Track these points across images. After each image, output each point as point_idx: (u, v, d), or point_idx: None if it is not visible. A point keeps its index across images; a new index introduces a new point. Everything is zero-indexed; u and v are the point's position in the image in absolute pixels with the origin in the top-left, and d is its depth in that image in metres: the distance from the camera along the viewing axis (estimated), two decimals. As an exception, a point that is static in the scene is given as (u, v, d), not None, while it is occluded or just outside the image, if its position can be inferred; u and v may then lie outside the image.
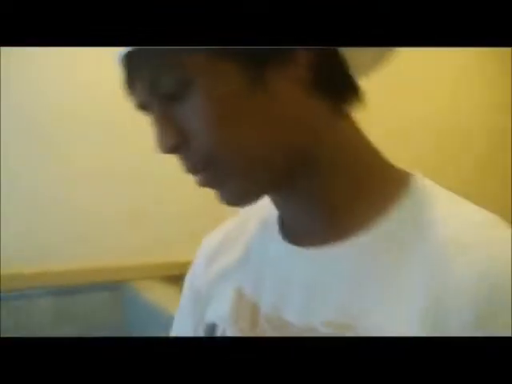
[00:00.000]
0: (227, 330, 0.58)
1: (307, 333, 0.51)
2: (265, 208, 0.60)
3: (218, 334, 0.59)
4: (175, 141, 0.49)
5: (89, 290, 1.55)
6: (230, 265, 0.62)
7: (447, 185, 0.52)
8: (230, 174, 0.50)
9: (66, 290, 1.52)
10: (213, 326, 0.60)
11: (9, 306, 1.45)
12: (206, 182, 0.51)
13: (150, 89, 0.49)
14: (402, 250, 0.49)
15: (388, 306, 0.48)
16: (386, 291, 0.48)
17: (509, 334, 0.42)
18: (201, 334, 0.62)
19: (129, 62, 0.50)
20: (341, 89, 0.52)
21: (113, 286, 1.57)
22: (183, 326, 0.67)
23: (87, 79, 1.50)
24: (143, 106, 0.52)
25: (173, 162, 0.53)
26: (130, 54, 0.49)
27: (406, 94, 1.91)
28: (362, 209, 0.53)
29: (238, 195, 0.52)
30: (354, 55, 0.52)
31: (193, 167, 0.51)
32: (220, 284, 0.62)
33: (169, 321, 0.70)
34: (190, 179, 0.53)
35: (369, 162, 0.54)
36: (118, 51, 0.50)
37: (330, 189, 0.53)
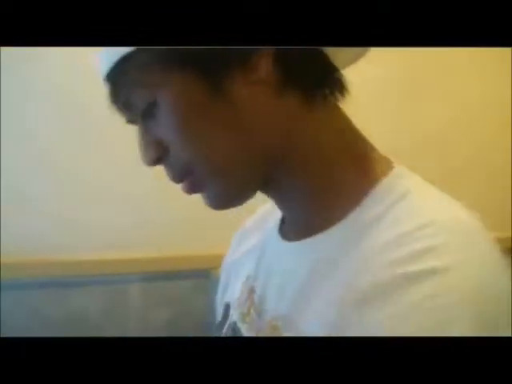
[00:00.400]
0: (233, 313, 0.63)
1: (267, 323, 0.56)
2: None
3: (230, 313, 0.65)
4: (156, 154, 0.53)
5: (178, 277, 1.58)
6: (246, 252, 0.67)
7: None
8: (209, 180, 0.53)
9: (157, 276, 1.56)
10: (228, 306, 0.66)
11: (100, 290, 1.49)
12: (189, 189, 0.54)
13: (126, 109, 0.53)
14: (346, 250, 0.49)
15: (314, 309, 0.50)
16: (318, 292, 0.50)
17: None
18: (221, 310, 0.68)
19: (107, 85, 0.53)
20: (312, 83, 0.52)
21: (201, 274, 1.60)
22: (218, 301, 0.73)
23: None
24: (130, 122, 0.55)
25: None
26: (106, 78, 0.52)
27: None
28: (333, 204, 0.53)
29: (221, 199, 0.54)
30: (332, 50, 0.52)
31: (174, 177, 0.54)
32: (238, 267, 0.68)
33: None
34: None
35: (343, 155, 0.54)
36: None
37: (304, 184, 0.54)
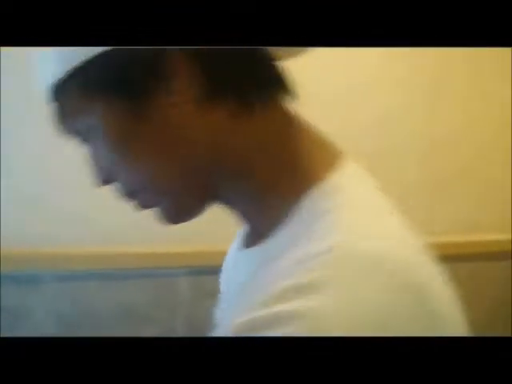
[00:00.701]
0: (218, 308, 0.66)
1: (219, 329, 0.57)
2: None
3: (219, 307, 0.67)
4: (103, 177, 0.54)
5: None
6: (233, 252, 0.67)
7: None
8: (154, 199, 0.54)
9: (203, 269, 1.57)
10: (220, 300, 0.68)
11: (147, 283, 1.51)
12: (140, 206, 0.55)
13: (68, 133, 0.54)
14: (260, 270, 0.49)
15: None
16: (232, 309, 0.51)
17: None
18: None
19: (50, 106, 0.54)
20: (245, 89, 0.50)
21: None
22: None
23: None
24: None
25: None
26: (47, 100, 0.54)
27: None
28: (269, 214, 0.52)
29: (170, 215, 0.55)
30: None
31: (123, 197, 0.55)
32: (227, 265, 0.70)
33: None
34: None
35: (283, 160, 0.51)
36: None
37: (247, 193, 0.53)
